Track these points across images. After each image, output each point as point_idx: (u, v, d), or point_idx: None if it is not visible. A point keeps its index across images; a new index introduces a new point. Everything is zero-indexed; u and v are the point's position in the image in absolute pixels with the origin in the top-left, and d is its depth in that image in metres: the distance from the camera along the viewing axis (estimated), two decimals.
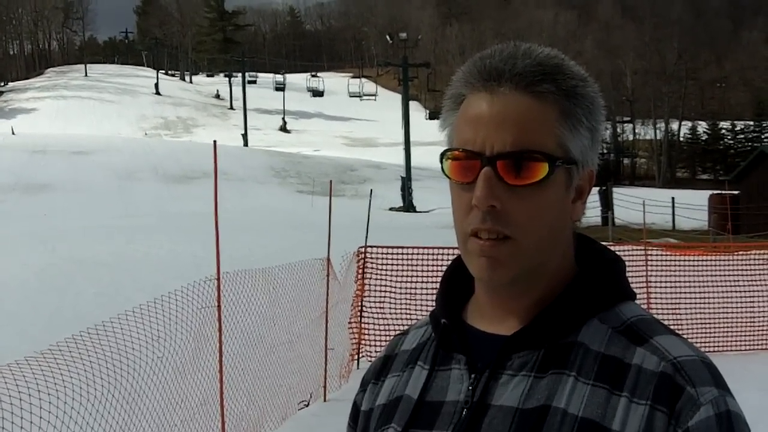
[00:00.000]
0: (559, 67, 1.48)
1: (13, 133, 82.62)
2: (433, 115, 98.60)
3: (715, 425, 1.36)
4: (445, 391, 1.55)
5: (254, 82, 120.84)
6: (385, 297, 13.75)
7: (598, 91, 1.52)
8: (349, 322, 13.52)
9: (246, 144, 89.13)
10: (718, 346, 14.68)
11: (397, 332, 1.83)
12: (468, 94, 1.49)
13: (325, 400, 11.68)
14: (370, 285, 13.75)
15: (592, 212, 40.51)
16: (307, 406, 11.28)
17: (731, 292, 15.55)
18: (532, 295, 1.52)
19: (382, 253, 13.97)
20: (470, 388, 1.51)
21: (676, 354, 1.43)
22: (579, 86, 1.48)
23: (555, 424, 1.40)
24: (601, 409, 1.39)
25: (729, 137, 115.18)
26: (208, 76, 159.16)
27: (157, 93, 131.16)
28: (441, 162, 1.51)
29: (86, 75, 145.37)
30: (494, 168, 1.43)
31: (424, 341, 1.68)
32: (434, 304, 1.70)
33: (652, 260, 15.74)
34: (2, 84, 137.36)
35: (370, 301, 13.73)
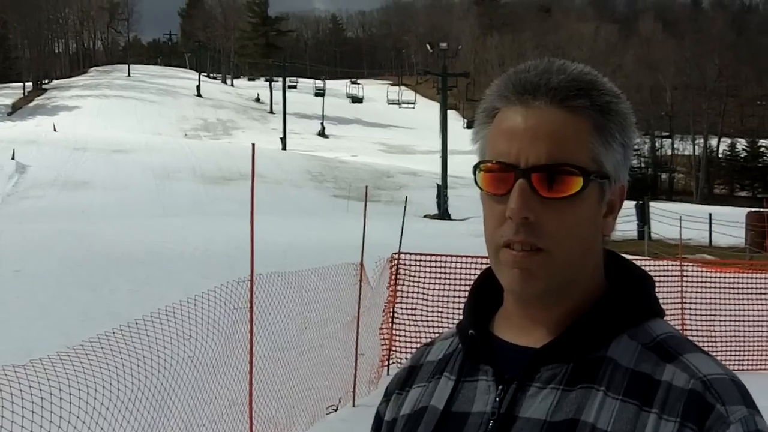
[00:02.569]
0: (593, 83, 1.49)
1: (55, 130, 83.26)
2: (470, 125, 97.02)
3: None
4: (472, 402, 1.55)
5: (294, 87, 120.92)
6: (417, 304, 13.73)
7: (630, 108, 1.53)
8: (380, 328, 13.51)
9: (284, 148, 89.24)
10: (754, 365, 14.57)
11: (424, 342, 1.82)
12: (502, 108, 1.50)
13: (354, 406, 11.68)
14: (402, 291, 13.74)
15: (628, 226, 40.30)
16: (335, 410, 11.29)
17: (767, 310, 15.42)
18: (562, 308, 1.52)
19: (416, 260, 13.95)
20: (497, 399, 1.51)
21: (706, 372, 1.43)
22: (612, 102, 1.49)
23: None
24: (630, 425, 1.39)
25: None
26: (249, 80, 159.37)
27: (199, 95, 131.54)
28: (474, 174, 1.52)
29: (129, 75, 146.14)
30: (528, 180, 1.44)
31: (450, 352, 1.68)
32: (462, 314, 1.69)
33: (687, 276, 15.62)
34: (46, 81, 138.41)
35: (401, 308, 13.71)
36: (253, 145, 9.00)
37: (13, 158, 60.47)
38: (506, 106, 1.49)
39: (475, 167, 1.52)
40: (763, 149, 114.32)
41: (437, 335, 1.82)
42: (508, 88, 1.50)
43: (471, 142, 1.60)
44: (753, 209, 46.76)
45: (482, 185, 1.51)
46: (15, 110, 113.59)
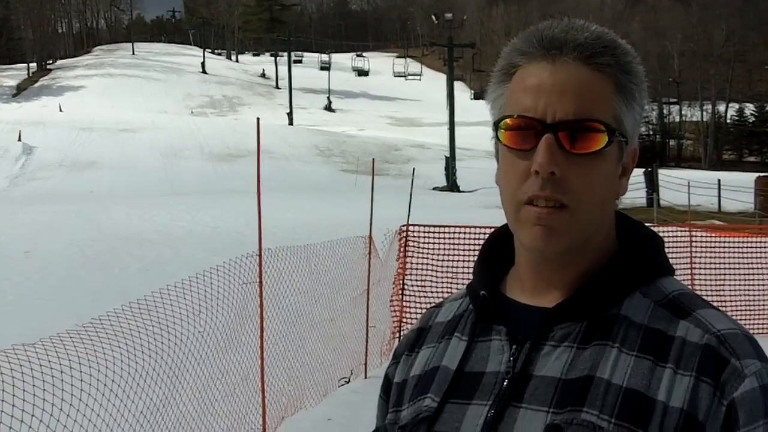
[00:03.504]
0: (615, 42, 1.50)
1: (60, 111, 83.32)
2: (477, 96, 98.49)
3: (760, 396, 1.38)
4: (485, 362, 1.55)
5: (300, 61, 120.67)
6: (426, 275, 13.73)
7: (644, 71, 1.54)
8: (391, 300, 13.52)
9: (291, 123, 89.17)
10: (763, 328, 14.55)
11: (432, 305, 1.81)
12: (523, 64, 1.50)
13: (366, 378, 11.71)
14: (411, 263, 13.73)
15: (637, 193, 40.25)
16: (347, 382, 11.31)
17: None
18: (577, 269, 1.53)
19: (424, 232, 13.94)
20: (511, 358, 1.51)
21: (720, 327, 1.45)
22: (633, 63, 1.51)
23: (599, 394, 1.42)
24: (645, 380, 1.41)
25: None
26: (254, 55, 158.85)
27: (204, 72, 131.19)
28: (495, 130, 1.51)
29: (133, 53, 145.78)
30: (556, 135, 1.44)
31: (460, 313, 1.68)
32: (471, 276, 1.69)
33: (696, 242, 15.61)
34: (50, 62, 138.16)
35: (411, 280, 13.70)
36: (258, 119, 8.97)
37: (19, 140, 60.51)
38: (529, 62, 1.49)
39: (497, 123, 1.51)
40: None
41: (443, 299, 1.81)
42: (531, 44, 1.49)
43: (486, 102, 1.59)
44: (762, 174, 46.73)
45: (505, 141, 1.49)
46: (20, 91, 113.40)
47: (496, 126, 1.51)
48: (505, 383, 1.50)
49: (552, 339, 1.49)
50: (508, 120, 1.49)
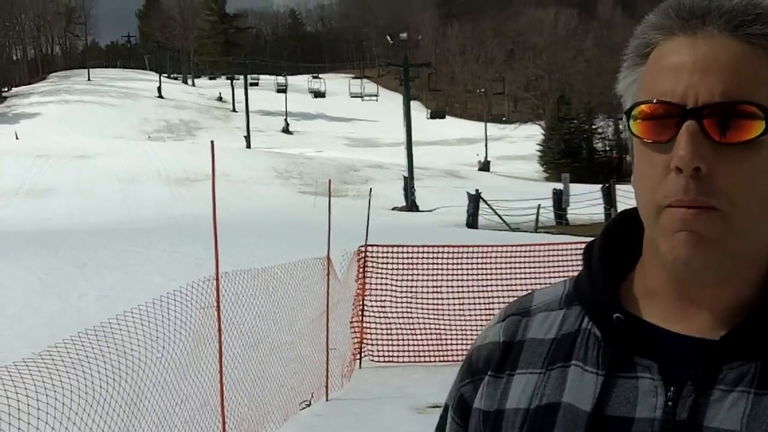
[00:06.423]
0: None
1: (16, 138, 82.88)
2: (434, 115, 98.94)
3: None
4: (633, 405, 1.24)
5: (256, 84, 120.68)
6: (386, 296, 13.72)
7: None
8: (351, 322, 13.48)
9: (249, 146, 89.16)
10: None
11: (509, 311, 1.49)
12: (660, 42, 1.23)
13: (327, 400, 11.66)
14: (371, 284, 13.72)
15: (595, 209, 40.51)
16: (308, 405, 11.26)
17: None
18: (732, 288, 1.24)
19: (383, 252, 13.92)
20: (670, 403, 1.21)
21: None
22: None
23: None
24: None
25: None
26: (210, 78, 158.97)
27: (160, 96, 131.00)
28: (627, 119, 1.25)
29: (89, 79, 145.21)
30: (699, 121, 1.16)
31: (572, 332, 1.36)
32: (579, 285, 1.40)
33: None
34: (6, 89, 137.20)
35: (371, 300, 13.69)
36: (212, 142, 8.96)
37: None
38: (666, 38, 1.22)
39: (629, 111, 1.25)
40: None
41: (528, 306, 1.46)
42: (668, 15, 1.22)
43: (617, 89, 1.33)
44: None
45: (639, 132, 1.23)
46: None
47: (628, 115, 1.25)
48: None
49: (722, 381, 1.20)
50: (642, 107, 1.22)
